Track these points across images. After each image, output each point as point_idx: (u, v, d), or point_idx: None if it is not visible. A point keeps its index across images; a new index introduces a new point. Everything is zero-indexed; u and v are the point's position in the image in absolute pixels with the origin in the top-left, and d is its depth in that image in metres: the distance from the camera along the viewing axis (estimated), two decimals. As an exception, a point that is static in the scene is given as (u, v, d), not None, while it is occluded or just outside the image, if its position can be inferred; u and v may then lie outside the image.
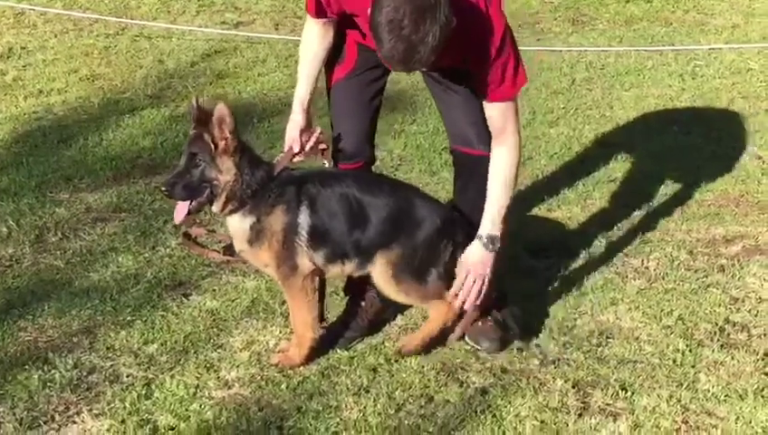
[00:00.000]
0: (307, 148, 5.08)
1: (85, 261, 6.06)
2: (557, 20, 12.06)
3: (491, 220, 4.88)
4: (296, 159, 5.08)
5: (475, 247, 4.91)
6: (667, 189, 6.96)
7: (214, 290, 5.69)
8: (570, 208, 6.71)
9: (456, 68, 4.84)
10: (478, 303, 4.94)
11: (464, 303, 4.92)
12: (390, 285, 4.97)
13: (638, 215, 6.58)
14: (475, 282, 4.89)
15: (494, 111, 4.83)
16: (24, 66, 10.20)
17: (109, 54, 10.58)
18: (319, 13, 4.93)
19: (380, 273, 4.96)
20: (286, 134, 5.10)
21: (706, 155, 7.66)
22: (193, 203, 4.87)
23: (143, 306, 5.51)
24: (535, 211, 6.70)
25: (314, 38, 5.01)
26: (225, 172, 4.81)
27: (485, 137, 4.97)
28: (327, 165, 5.22)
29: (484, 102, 4.84)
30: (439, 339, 5.02)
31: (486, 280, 4.90)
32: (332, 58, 5.12)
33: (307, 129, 5.07)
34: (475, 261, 4.90)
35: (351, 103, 5.15)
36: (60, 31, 11.49)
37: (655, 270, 5.89)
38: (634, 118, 8.57)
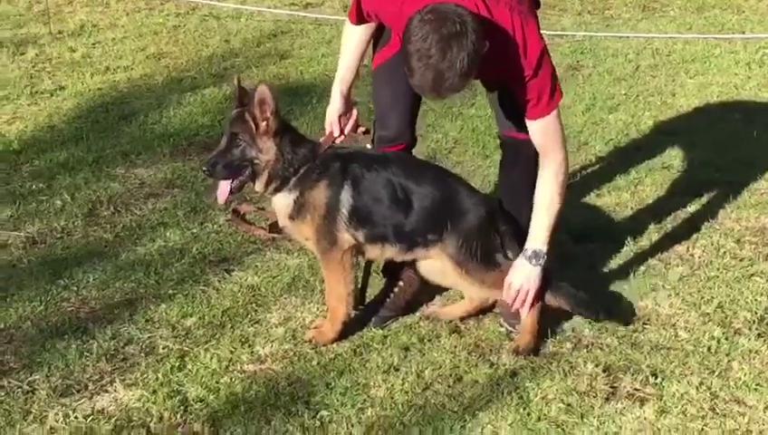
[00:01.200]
0: (346, 131, 5.14)
1: (134, 235, 6.15)
2: (627, 6, 11.98)
3: (535, 236, 4.90)
4: (337, 141, 5.13)
5: (519, 262, 4.93)
6: (722, 178, 6.88)
7: (256, 266, 5.75)
8: (619, 194, 6.66)
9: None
10: (528, 309, 4.95)
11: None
12: (457, 274, 5.00)
13: (688, 202, 6.51)
14: (520, 293, 4.91)
15: (534, 129, 4.85)
16: (93, 44, 10.39)
17: (177, 33, 10.72)
18: (360, 22, 5.03)
19: (443, 264, 5.01)
20: (326, 119, 5.18)
21: (766, 144, 7.55)
22: (234, 182, 4.92)
23: (185, 280, 5.59)
24: (584, 197, 6.66)
25: (358, 27, 5.05)
26: (266, 152, 4.85)
27: None
28: (368, 147, 5.25)
29: (526, 121, 4.87)
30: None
31: (533, 292, 4.91)
32: (377, 41, 5.15)
33: (345, 113, 5.12)
34: (520, 277, 4.91)
35: (395, 86, 5.15)
36: (132, 9, 11.68)
37: (699, 258, 5.84)
38: (696, 106, 8.49)
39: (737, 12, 11.61)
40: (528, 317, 4.95)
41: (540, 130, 4.84)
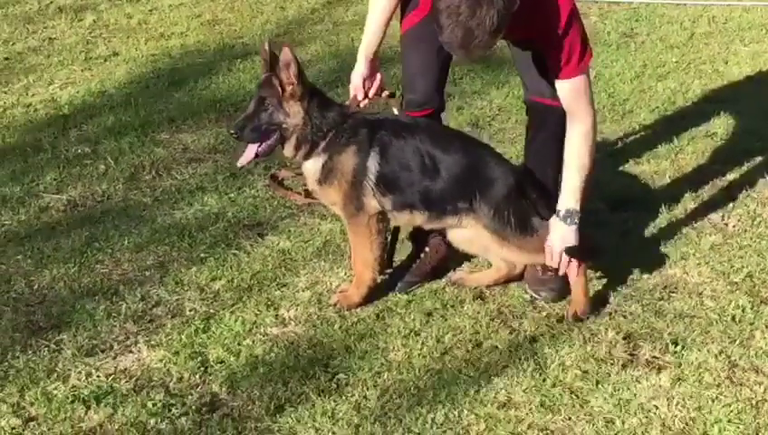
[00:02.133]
0: (370, 94, 5.16)
1: (172, 199, 6.24)
2: (687, -27, 11.81)
3: (566, 196, 4.91)
4: (362, 103, 5.16)
5: (554, 222, 4.95)
6: (765, 147, 6.79)
7: (289, 231, 5.81)
8: (658, 163, 6.61)
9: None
10: (569, 269, 4.95)
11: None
12: (496, 243, 5.02)
13: (728, 171, 6.45)
14: (560, 255, 4.92)
15: (563, 89, 4.85)
16: (150, 10, 10.48)
17: (234, 0, 10.75)
18: None
19: (479, 234, 5.03)
20: (351, 82, 5.19)
21: (815, 113, 7.46)
22: (262, 146, 4.97)
23: (218, 244, 5.67)
24: (623, 165, 6.63)
25: None
26: (293, 116, 4.90)
27: None
28: (395, 111, 5.26)
29: (554, 81, 4.86)
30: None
31: (571, 251, 4.92)
32: (405, 5, 5.15)
33: (370, 76, 5.14)
34: (555, 236, 4.93)
35: (423, 51, 5.17)
36: (191, -24, 11.71)
37: (734, 226, 5.79)
38: (747, 74, 8.37)
39: (802, -22, 11.40)
40: (578, 281, 4.95)
41: (569, 91, 4.84)
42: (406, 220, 5.13)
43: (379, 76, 5.16)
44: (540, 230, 4.97)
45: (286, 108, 4.89)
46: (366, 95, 5.16)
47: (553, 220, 4.94)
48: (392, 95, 5.27)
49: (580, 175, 4.89)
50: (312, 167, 5.02)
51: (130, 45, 9.33)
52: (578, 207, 4.90)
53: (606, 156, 6.75)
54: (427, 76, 5.22)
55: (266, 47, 4.97)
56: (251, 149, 4.99)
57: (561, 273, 4.96)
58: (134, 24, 10.03)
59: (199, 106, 7.78)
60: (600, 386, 4.43)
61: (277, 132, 4.93)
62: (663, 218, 5.87)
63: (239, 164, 5.08)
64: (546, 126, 5.11)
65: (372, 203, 4.96)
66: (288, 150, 5.01)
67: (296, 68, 4.83)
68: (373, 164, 4.94)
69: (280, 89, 4.87)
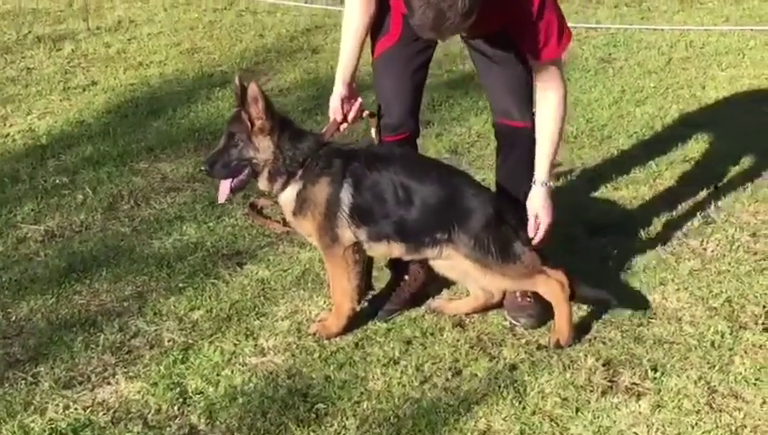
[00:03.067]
0: (350, 117, 5.14)
1: (151, 229, 6.22)
2: (665, -2, 11.90)
3: (543, 169, 4.99)
4: (342, 127, 5.15)
5: (536, 192, 5.01)
6: (742, 171, 6.84)
7: (268, 260, 5.79)
8: (637, 188, 6.63)
9: (498, 35, 4.90)
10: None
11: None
12: (479, 272, 4.99)
13: (706, 195, 6.47)
14: (541, 224, 5.01)
15: (541, 70, 4.89)
16: (129, 39, 10.52)
17: (212, 28, 10.81)
18: None
19: (461, 264, 5.01)
20: (330, 106, 5.16)
21: (792, 136, 7.50)
22: (234, 181, 4.96)
23: (197, 274, 5.64)
24: (601, 190, 6.65)
25: (357, 9, 5.03)
26: (263, 151, 4.89)
27: (525, 109, 5.06)
28: (373, 133, 5.25)
29: (531, 62, 4.90)
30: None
31: (551, 220, 5.02)
32: (376, 31, 5.15)
33: (349, 99, 5.12)
34: (539, 205, 4.99)
35: (396, 75, 5.17)
36: (170, 5, 11.80)
37: (712, 251, 5.80)
38: (725, 98, 8.44)
39: (777, 2, 11.51)
40: (562, 310, 4.94)
41: (545, 70, 4.89)
42: (383, 251, 5.10)
43: (359, 99, 5.14)
44: (522, 256, 4.96)
45: (256, 143, 4.88)
46: (345, 118, 5.13)
47: (536, 189, 5.01)
48: (373, 115, 5.24)
49: (552, 147, 4.98)
50: (287, 198, 5.01)
51: (109, 75, 9.34)
52: (550, 181, 5.04)
53: (584, 181, 6.78)
54: (400, 100, 5.20)
55: (237, 81, 4.94)
56: (225, 185, 4.98)
57: (537, 240, 5.02)
58: (113, 53, 10.05)
59: (178, 135, 7.78)
60: (579, 414, 4.42)
61: (248, 167, 4.91)
62: (642, 244, 5.88)
63: (220, 201, 5.07)
64: (515, 149, 5.13)
65: (347, 234, 4.95)
66: (262, 184, 5.01)
67: (264, 102, 4.81)
68: (346, 195, 4.92)
69: (249, 124, 4.85)
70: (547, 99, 4.93)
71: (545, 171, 4.99)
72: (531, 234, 5.01)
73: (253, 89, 4.79)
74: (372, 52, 5.22)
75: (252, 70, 9.37)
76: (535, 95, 5.01)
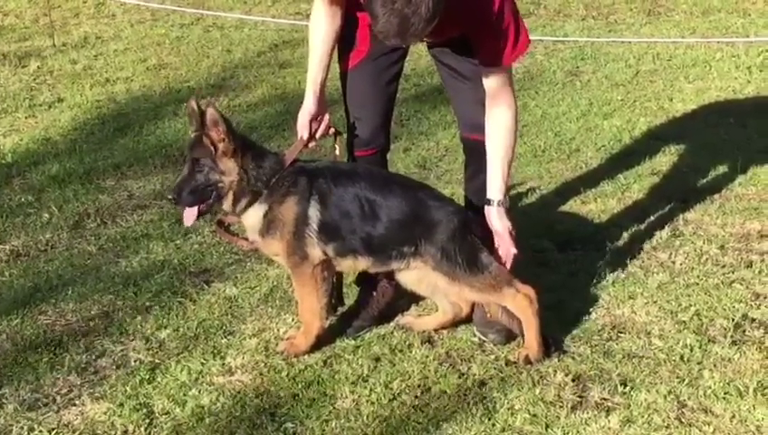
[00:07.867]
0: (317, 135, 5.11)
1: (117, 247, 6.18)
2: (632, 11, 11.96)
3: (497, 188, 4.98)
4: (310, 144, 5.12)
5: (490, 212, 5.00)
6: (710, 183, 6.86)
7: (236, 277, 5.76)
8: (605, 201, 6.64)
9: (464, 48, 4.90)
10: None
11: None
12: (448, 284, 4.97)
13: (674, 208, 6.48)
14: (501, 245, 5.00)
15: (490, 76, 4.88)
16: (95, 55, 10.48)
17: (180, 44, 10.77)
18: None
19: (429, 277, 4.99)
20: (297, 121, 5.12)
21: (758, 148, 7.52)
22: (202, 206, 4.92)
23: (163, 292, 5.60)
24: (570, 204, 6.64)
25: (323, 20, 4.99)
26: (228, 173, 4.85)
27: None
28: (338, 151, 5.23)
29: (482, 68, 4.88)
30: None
31: (510, 243, 4.99)
32: (345, 46, 5.12)
33: (317, 116, 5.09)
34: (499, 226, 4.98)
35: (366, 90, 5.15)
36: (137, 21, 11.74)
37: (681, 264, 5.80)
38: (692, 110, 8.47)
39: (743, 15, 11.57)
40: (531, 326, 4.91)
41: (496, 77, 4.88)
42: (349, 266, 5.08)
43: (327, 116, 5.11)
44: (489, 267, 4.94)
45: (221, 166, 4.83)
46: (313, 136, 5.09)
47: (493, 211, 4.99)
48: (339, 132, 5.22)
49: (507, 165, 4.98)
50: (253, 219, 4.97)
51: (75, 91, 9.29)
52: (506, 200, 5.02)
53: (553, 195, 6.77)
54: (372, 115, 5.18)
55: (194, 104, 4.90)
56: (191, 208, 4.93)
57: (510, 256, 4.99)
58: (79, 69, 10.00)
59: (145, 152, 7.74)
60: (549, 430, 4.39)
61: (215, 191, 4.88)
62: (610, 257, 5.87)
63: (186, 225, 5.01)
64: (484, 163, 5.08)
65: (316, 252, 4.92)
66: (226, 205, 4.96)
67: (224, 125, 4.78)
68: (314, 212, 4.89)
69: (212, 148, 4.81)
70: (498, 115, 4.92)
71: (499, 190, 4.97)
72: (500, 252, 4.99)
73: (211, 113, 4.75)
74: (341, 67, 5.19)
75: (219, 85, 9.32)
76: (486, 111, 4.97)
